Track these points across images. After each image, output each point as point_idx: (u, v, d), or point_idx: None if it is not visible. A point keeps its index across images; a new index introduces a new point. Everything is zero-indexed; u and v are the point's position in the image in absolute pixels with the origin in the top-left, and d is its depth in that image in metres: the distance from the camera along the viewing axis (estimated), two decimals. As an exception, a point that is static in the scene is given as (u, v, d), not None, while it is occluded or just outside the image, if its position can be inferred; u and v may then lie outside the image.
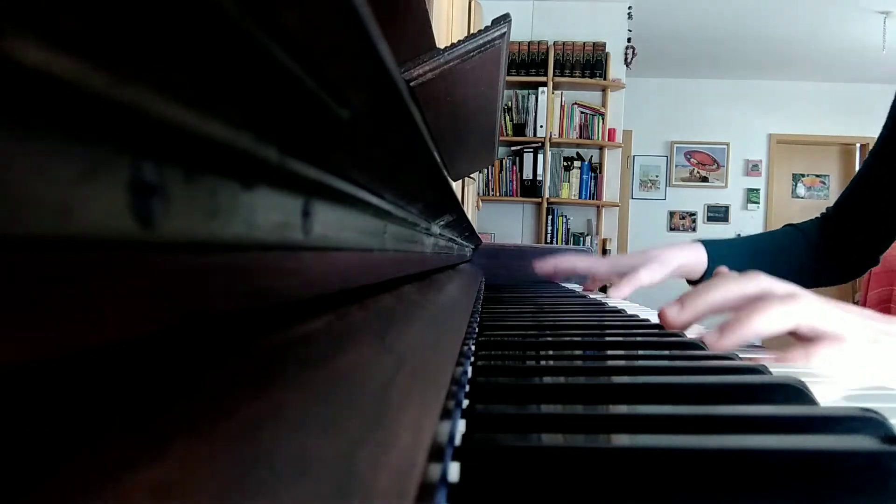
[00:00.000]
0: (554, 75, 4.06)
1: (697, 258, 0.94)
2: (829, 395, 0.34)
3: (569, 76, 4.06)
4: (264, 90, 0.14)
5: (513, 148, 4.18)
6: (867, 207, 0.95)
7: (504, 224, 4.21)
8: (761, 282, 0.52)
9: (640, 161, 5.70)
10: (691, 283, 0.96)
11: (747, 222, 5.63)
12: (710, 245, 0.95)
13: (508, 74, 3.57)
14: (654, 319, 0.67)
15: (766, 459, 0.21)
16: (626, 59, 4.15)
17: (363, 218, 0.30)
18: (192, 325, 0.13)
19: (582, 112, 4.12)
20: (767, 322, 0.46)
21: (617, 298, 0.93)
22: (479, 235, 1.54)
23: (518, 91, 4.17)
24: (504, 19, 0.47)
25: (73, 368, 0.09)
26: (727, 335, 0.48)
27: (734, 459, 0.21)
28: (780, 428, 0.26)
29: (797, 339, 0.48)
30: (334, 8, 0.13)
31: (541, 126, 4.10)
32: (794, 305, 0.46)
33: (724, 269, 0.64)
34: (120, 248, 0.10)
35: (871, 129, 5.62)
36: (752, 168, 5.68)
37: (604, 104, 4.13)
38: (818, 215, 1.03)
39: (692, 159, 5.69)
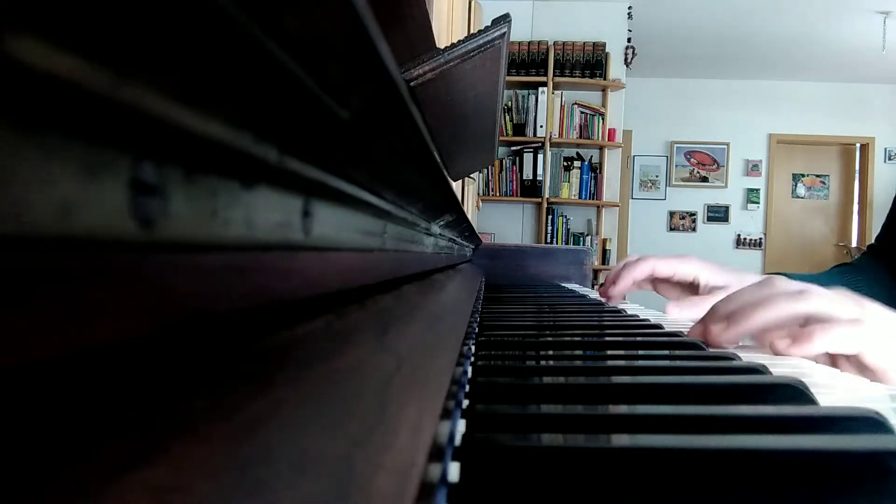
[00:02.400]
0: (554, 75, 4.06)
1: None
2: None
3: (569, 76, 4.07)
4: (264, 90, 0.14)
5: (513, 148, 4.18)
6: None
7: (504, 224, 4.21)
8: (817, 300, 0.49)
9: (640, 161, 5.70)
10: None
11: (747, 222, 5.63)
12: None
13: (508, 74, 3.57)
14: (654, 319, 0.67)
15: (766, 459, 0.21)
16: (626, 59, 4.15)
17: (363, 218, 0.30)
18: (192, 325, 0.13)
19: (582, 112, 4.12)
20: (834, 343, 0.45)
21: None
22: (479, 235, 1.54)
23: (518, 91, 4.17)
24: (504, 19, 0.47)
25: (74, 368, 0.09)
26: (798, 347, 0.46)
27: (735, 459, 0.21)
28: (781, 428, 0.26)
29: (848, 360, 0.47)
30: (334, 8, 0.13)
31: (541, 126, 4.10)
32: (859, 333, 0.45)
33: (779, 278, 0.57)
34: (120, 248, 0.10)
35: (871, 129, 5.64)
36: (752, 168, 5.68)
37: (604, 104, 4.13)
38: (864, 252, 1.00)
39: (692, 159, 5.69)
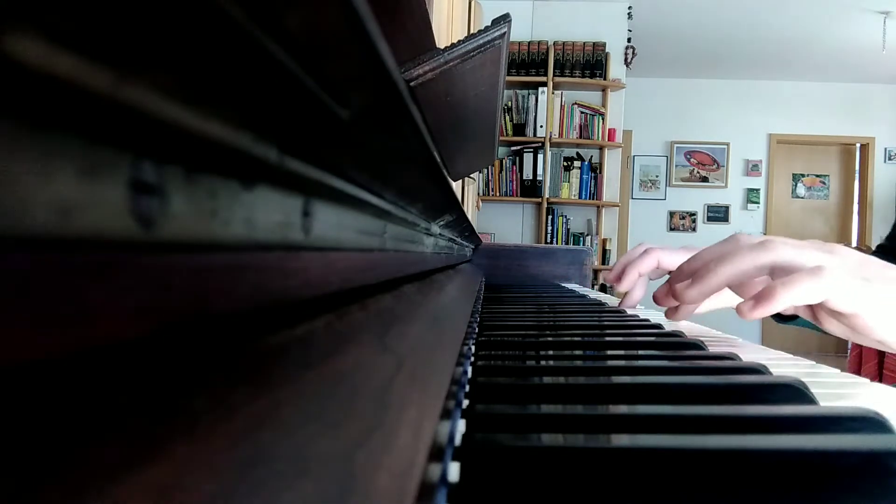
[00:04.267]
0: (554, 75, 4.06)
1: None
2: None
3: (569, 76, 4.07)
4: (264, 90, 0.14)
5: (513, 148, 4.18)
6: None
7: (504, 224, 4.21)
8: (779, 251, 0.49)
9: (640, 161, 5.70)
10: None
11: (747, 222, 5.62)
12: None
13: (508, 74, 3.57)
14: (654, 319, 0.67)
15: (766, 459, 0.21)
16: (626, 59, 4.15)
17: (363, 218, 0.30)
18: (192, 325, 0.13)
19: (582, 112, 4.12)
20: (797, 296, 0.44)
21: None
22: (479, 235, 1.54)
23: (518, 91, 4.17)
24: (504, 19, 0.47)
25: (74, 368, 0.09)
26: (761, 307, 0.45)
27: (735, 459, 0.21)
28: (781, 428, 0.26)
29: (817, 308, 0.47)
30: (334, 8, 0.13)
31: (541, 126, 4.10)
32: (822, 281, 0.44)
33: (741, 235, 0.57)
34: (120, 248, 0.10)
35: (871, 129, 5.64)
36: (752, 168, 5.68)
37: (604, 104, 4.13)
38: (874, 251, 1.00)
39: (692, 159, 5.69)
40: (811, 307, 0.50)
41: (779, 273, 0.48)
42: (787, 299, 0.44)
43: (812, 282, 0.44)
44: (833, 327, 0.50)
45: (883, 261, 0.48)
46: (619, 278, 0.81)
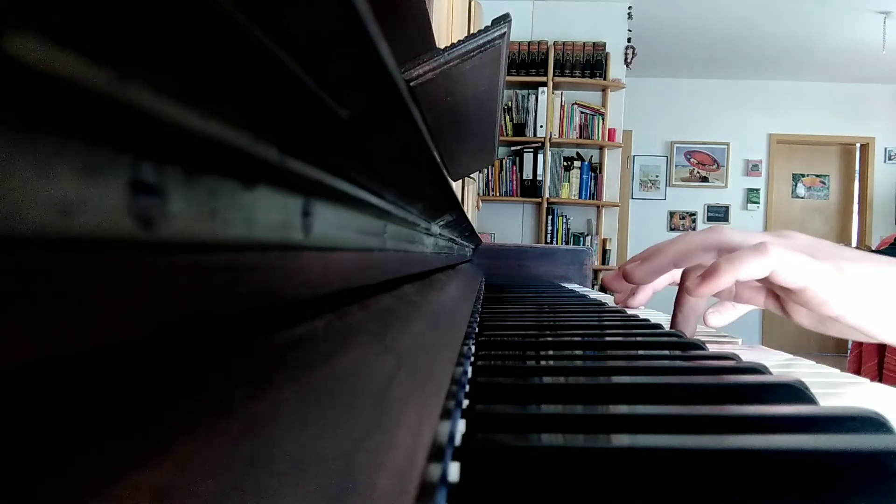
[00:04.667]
0: (554, 75, 4.06)
1: None
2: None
3: (569, 76, 4.06)
4: (264, 90, 0.14)
5: (513, 148, 4.18)
6: None
7: (504, 224, 4.21)
8: (725, 233, 0.51)
9: (640, 161, 5.70)
10: None
11: (747, 222, 5.62)
12: None
13: (508, 74, 3.57)
14: (654, 319, 0.67)
15: (766, 460, 0.21)
16: (626, 59, 4.15)
17: (363, 218, 0.30)
18: (192, 326, 0.13)
19: (582, 112, 4.12)
20: (743, 270, 0.45)
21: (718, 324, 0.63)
22: (479, 235, 1.54)
23: (518, 91, 4.17)
24: (504, 19, 0.47)
25: (74, 368, 0.09)
26: (707, 283, 0.46)
27: (735, 459, 0.21)
28: (781, 428, 0.26)
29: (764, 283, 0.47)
30: (334, 8, 0.13)
31: (541, 126, 4.10)
32: (766, 255, 0.44)
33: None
34: (120, 248, 0.10)
35: (871, 129, 5.64)
36: (752, 168, 5.68)
37: (604, 104, 4.13)
38: (892, 244, 0.99)
39: (692, 159, 5.69)
40: (778, 300, 0.50)
41: (725, 252, 0.49)
42: (731, 273, 0.45)
43: (755, 256, 0.44)
44: (801, 318, 0.50)
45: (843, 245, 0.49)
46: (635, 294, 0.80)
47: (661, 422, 0.26)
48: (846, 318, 0.44)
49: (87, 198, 0.09)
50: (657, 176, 5.72)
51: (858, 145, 5.71)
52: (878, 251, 0.90)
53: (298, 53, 0.13)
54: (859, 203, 5.72)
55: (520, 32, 4.05)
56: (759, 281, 0.47)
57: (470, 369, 0.36)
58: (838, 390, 0.39)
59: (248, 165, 0.15)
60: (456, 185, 1.30)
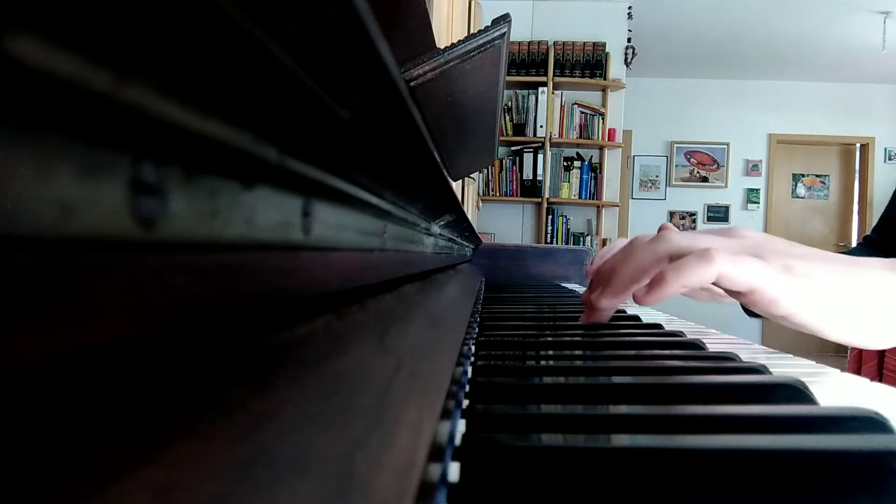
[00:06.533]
0: (554, 75, 4.06)
1: None
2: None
3: (569, 76, 4.06)
4: (265, 90, 0.14)
5: (513, 148, 4.18)
6: None
7: (504, 224, 4.21)
8: (673, 240, 0.51)
9: (640, 161, 5.70)
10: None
11: (747, 222, 5.62)
12: None
13: (508, 74, 3.57)
14: (654, 319, 0.67)
15: (767, 460, 0.21)
16: (626, 59, 4.15)
17: (363, 218, 0.30)
18: (193, 325, 0.13)
19: (582, 112, 4.12)
20: (688, 277, 0.45)
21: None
22: (479, 235, 1.54)
23: (518, 91, 4.17)
24: (504, 19, 0.47)
25: (74, 368, 0.09)
26: (654, 293, 0.46)
27: (735, 459, 0.21)
28: (781, 428, 0.26)
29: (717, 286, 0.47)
30: (334, 8, 0.13)
31: (541, 126, 4.10)
32: (709, 261, 0.45)
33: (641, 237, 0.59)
34: (120, 248, 0.10)
35: (871, 130, 5.63)
36: (752, 168, 5.68)
37: (604, 104, 4.13)
38: (860, 242, 1.00)
39: (692, 159, 5.69)
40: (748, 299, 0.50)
41: (674, 260, 0.49)
42: (677, 282, 0.45)
43: (700, 264, 0.45)
44: (762, 312, 0.50)
45: (803, 245, 0.48)
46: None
47: (661, 422, 0.26)
48: (795, 317, 0.44)
49: (87, 197, 0.09)
50: (657, 176, 5.72)
51: (858, 145, 5.71)
52: (845, 251, 0.90)
53: (299, 53, 0.13)
54: (859, 203, 5.72)
55: (520, 32, 4.05)
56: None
57: (470, 369, 0.36)
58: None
59: (248, 165, 0.15)
60: (456, 185, 1.30)
